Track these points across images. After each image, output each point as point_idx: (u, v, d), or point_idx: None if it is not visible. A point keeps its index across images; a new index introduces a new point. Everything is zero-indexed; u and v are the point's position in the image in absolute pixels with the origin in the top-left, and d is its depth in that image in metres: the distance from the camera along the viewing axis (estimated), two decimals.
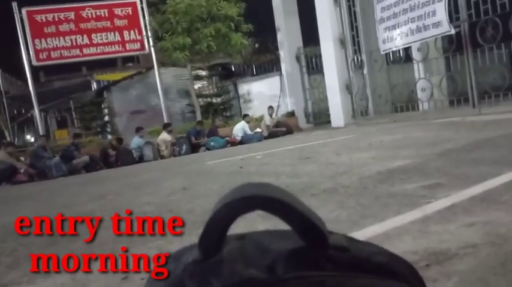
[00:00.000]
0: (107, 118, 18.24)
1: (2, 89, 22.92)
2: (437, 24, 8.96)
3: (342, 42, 11.59)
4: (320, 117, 13.90)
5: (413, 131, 7.19)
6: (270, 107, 13.21)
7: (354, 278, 0.38)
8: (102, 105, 18.62)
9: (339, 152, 5.65)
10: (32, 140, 25.14)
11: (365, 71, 11.66)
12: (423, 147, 4.93)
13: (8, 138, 22.38)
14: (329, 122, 12.34)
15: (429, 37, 9.34)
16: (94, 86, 22.90)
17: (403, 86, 10.83)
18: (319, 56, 12.73)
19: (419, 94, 10.33)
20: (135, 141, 11.70)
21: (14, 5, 12.39)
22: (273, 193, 0.39)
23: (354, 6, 11.53)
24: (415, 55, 10.19)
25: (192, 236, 2.53)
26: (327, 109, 12.46)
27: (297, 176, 4.25)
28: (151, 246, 2.44)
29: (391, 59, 10.90)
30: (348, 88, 11.66)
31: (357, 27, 11.60)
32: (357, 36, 11.64)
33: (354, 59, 11.67)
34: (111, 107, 17.96)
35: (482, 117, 7.76)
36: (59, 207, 4.64)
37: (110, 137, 15.18)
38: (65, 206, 4.66)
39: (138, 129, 12.05)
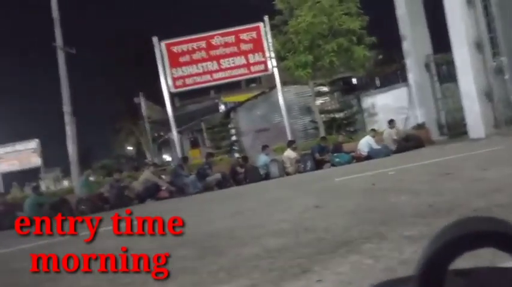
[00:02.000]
0: (234, 137, 19.24)
1: (144, 114, 25.78)
2: None
3: (479, 46, 10.58)
4: (455, 129, 12.79)
5: None
6: (392, 121, 12.59)
7: None
8: (229, 126, 19.72)
9: (485, 167, 5.09)
10: (169, 159, 27.69)
11: (507, 76, 10.46)
12: None
13: (149, 158, 25.01)
14: (465, 133, 11.29)
15: None
16: (222, 107, 24.39)
17: None
18: (451, 63, 11.79)
19: None
20: (261, 159, 12.10)
21: (155, 39, 13.93)
22: (505, 228, 0.35)
23: (490, 5, 10.49)
24: None
25: (333, 256, 2.47)
26: (463, 119, 11.44)
27: (439, 193, 3.93)
28: (293, 264, 2.44)
29: None
30: (487, 95, 10.56)
31: (494, 28, 10.51)
32: (495, 38, 10.54)
33: (493, 63, 10.55)
34: (238, 127, 18.91)
35: None
36: (203, 223, 4.95)
37: (237, 155, 15.94)
38: (208, 222, 4.95)
39: (264, 148, 12.45)
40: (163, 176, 12.10)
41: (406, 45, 13.55)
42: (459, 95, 11.38)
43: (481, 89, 10.55)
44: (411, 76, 13.61)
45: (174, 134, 14.50)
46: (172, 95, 15.39)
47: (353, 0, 13.19)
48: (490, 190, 3.61)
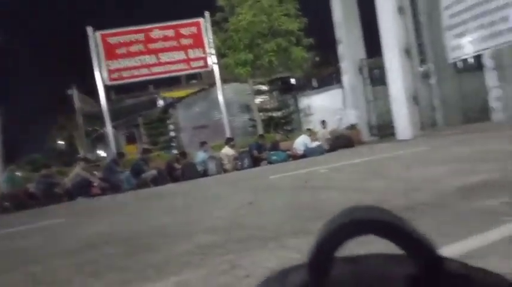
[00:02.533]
0: (172, 133, 18.95)
1: (77, 107, 24.63)
2: (511, 30, 8.43)
3: (407, 52, 11.24)
4: (384, 130, 13.49)
5: (488, 143, 6.76)
6: (323, 121, 13.15)
7: None
8: (168, 121, 19.39)
9: (409, 166, 5.42)
10: (104, 155, 26.69)
11: (432, 81, 11.20)
12: (503, 161, 4.61)
13: (82, 153, 23.94)
14: (394, 134, 11.94)
15: (503, 43, 8.80)
16: (160, 103, 23.92)
17: (475, 95, 10.28)
18: (382, 67, 12.42)
19: (493, 104, 9.73)
20: (199, 156, 12.02)
21: (89, 29, 13.33)
22: (385, 216, 0.38)
23: (419, 14, 11.17)
24: (488, 62, 9.64)
25: (263, 252, 2.52)
26: (391, 121, 12.08)
27: (366, 191, 4.13)
28: (223, 260, 2.46)
29: (461, 67, 10.38)
30: (414, 99, 11.25)
31: (422, 35, 11.21)
32: (423, 46, 11.24)
33: (420, 68, 11.26)
34: (176, 123, 18.65)
35: None
36: (135, 220, 4.84)
37: (175, 151, 15.72)
38: (140, 219, 4.85)
39: (202, 144, 12.37)
40: (95, 172, 11.64)
41: (341, 49, 14.08)
42: (389, 98, 12.01)
43: (408, 93, 11.21)
44: (345, 79, 14.17)
45: (109, 128, 13.98)
46: (108, 88, 14.81)
47: (292, 2, 13.46)
48: (411, 188, 3.86)
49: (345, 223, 0.38)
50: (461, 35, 9.61)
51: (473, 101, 10.23)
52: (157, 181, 10.94)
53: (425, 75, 11.25)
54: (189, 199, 6.07)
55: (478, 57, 9.75)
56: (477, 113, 10.09)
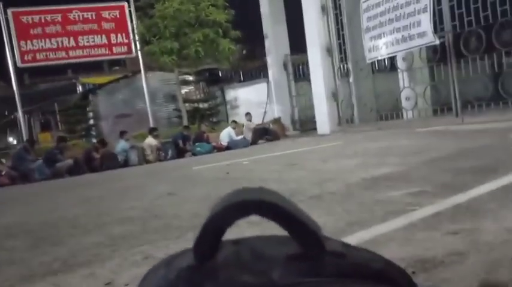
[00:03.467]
0: (91, 122, 18.05)
1: None
2: (422, 35, 9.11)
3: (329, 51, 11.70)
4: (306, 124, 13.96)
5: (398, 139, 7.28)
6: (248, 114, 13.34)
7: (351, 285, 0.38)
8: (87, 109, 18.42)
9: (325, 159, 5.68)
10: (15, 142, 24.73)
11: (351, 79, 11.76)
12: (408, 155, 4.98)
13: None
14: (315, 129, 12.41)
15: (414, 47, 9.48)
16: (79, 89, 22.67)
17: (388, 94, 10.96)
18: (306, 64, 12.82)
19: (404, 103, 10.46)
20: (120, 145, 11.58)
21: None
22: (270, 197, 0.39)
23: (340, 15, 11.66)
24: (400, 64, 10.34)
25: (178, 242, 2.50)
26: (313, 116, 12.53)
27: (284, 182, 4.26)
28: (136, 251, 2.41)
29: (377, 67, 11.02)
30: (334, 96, 11.76)
31: (343, 36, 11.71)
32: (344, 45, 11.76)
33: (340, 67, 11.78)
34: (96, 111, 17.78)
35: (465, 126, 7.90)
36: (43, 212, 4.56)
37: (94, 140, 15.01)
38: (49, 210, 4.58)
39: (123, 133, 11.92)
40: (3, 160, 10.77)
41: (267, 44, 14.30)
42: (311, 94, 12.44)
43: (328, 90, 11.70)
44: (271, 73, 14.43)
45: (20, 114, 12.99)
46: (21, 71, 13.75)
47: None
48: (325, 179, 4.05)
49: (228, 205, 0.38)
50: (377, 37, 10.20)
51: (387, 100, 10.92)
52: (73, 170, 10.39)
53: (345, 74, 11.77)
54: (105, 190, 5.84)
55: (392, 59, 10.40)
56: (390, 111, 10.78)
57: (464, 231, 1.98)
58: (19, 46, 12.41)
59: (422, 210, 2.49)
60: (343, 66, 11.77)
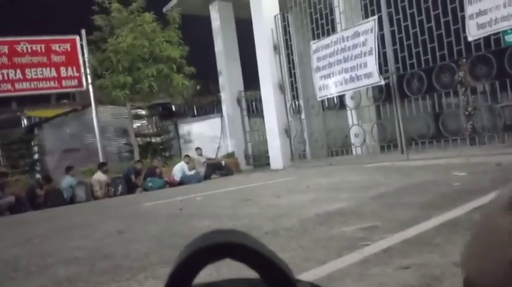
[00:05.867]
0: (36, 156, 17.20)
1: None
2: (368, 75, 9.60)
3: (281, 88, 12.05)
4: (260, 159, 14.09)
5: (348, 174, 7.49)
6: (198, 148, 13.35)
7: None
8: (33, 143, 17.59)
9: (278, 194, 5.72)
10: None
11: (303, 116, 12.11)
12: (358, 190, 5.13)
13: None
14: (268, 164, 12.54)
15: (361, 86, 9.96)
16: (24, 122, 21.69)
17: (338, 131, 11.34)
18: (259, 100, 13.08)
19: (353, 139, 10.85)
20: (66, 181, 11.10)
21: None
22: (241, 239, 0.38)
23: (292, 54, 12.10)
24: (349, 103, 10.78)
25: (129, 283, 2.40)
26: (267, 151, 12.69)
27: (238, 218, 4.23)
28: None
29: (327, 105, 11.44)
30: (286, 132, 12.01)
31: (295, 74, 12.12)
32: (295, 83, 12.15)
33: (292, 104, 12.11)
34: (42, 145, 17.00)
35: (410, 162, 8.28)
36: None
37: (38, 176, 14.28)
38: None
39: (69, 169, 11.46)
40: None
41: (221, 80, 14.52)
42: (264, 129, 12.64)
43: (281, 126, 11.95)
44: (225, 108, 14.58)
45: None
46: None
47: (175, 30, 13.52)
48: (279, 214, 4.07)
49: (201, 248, 0.37)
50: (327, 76, 10.64)
51: (337, 137, 11.28)
52: (14, 208, 9.79)
53: (297, 111, 12.10)
54: (49, 228, 5.52)
55: (341, 98, 10.84)
56: (340, 147, 11.13)
57: (415, 266, 2.05)
58: None
59: (374, 245, 2.56)
60: (295, 103, 12.12)
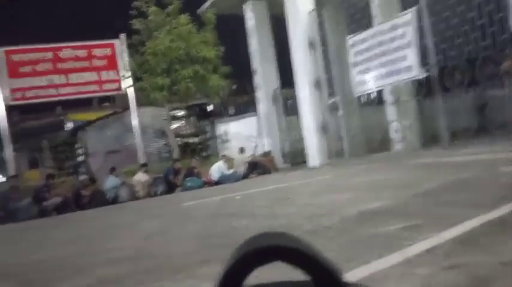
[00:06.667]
0: (80, 158, 17.89)
1: None
2: (408, 69, 9.34)
3: (317, 85, 11.91)
4: (296, 158, 13.98)
5: (388, 172, 7.31)
6: (241, 148, 13.38)
7: None
8: (76, 145, 18.31)
9: (317, 193, 5.66)
10: (3, 179, 24.28)
11: (340, 113, 11.93)
12: (399, 188, 4.99)
13: None
14: (305, 162, 12.44)
15: (401, 80, 9.70)
16: (68, 125, 22.59)
17: (377, 127, 11.10)
18: (295, 98, 12.99)
19: (392, 136, 10.58)
20: (109, 182, 11.46)
21: None
22: (292, 242, 0.38)
23: (328, 50, 11.95)
24: (388, 97, 10.53)
25: (171, 282, 2.44)
26: (303, 149, 12.59)
27: (276, 217, 4.22)
28: None
29: (365, 101, 11.21)
30: (323, 129, 11.87)
31: (331, 70, 11.96)
32: (332, 79, 11.99)
33: (329, 101, 11.96)
34: (86, 147, 17.67)
35: (454, 158, 7.97)
36: (29, 253, 4.43)
37: (83, 177, 14.83)
38: (35, 250, 4.45)
39: (113, 170, 11.83)
40: None
41: (256, 79, 14.53)
42: (301, 127, 12.55)
43: (318, 123, 11.82)
44: (260, 107, 14.58)
45: (9, 152, 12.82)
46: (10, 108, 13.69)
47: (210, 31, 13.68)
48: (318, 214, 4.02)
49: (251, 251, 0.37)
50: (364, 71, 10.43)
51: (376, 133, 11.04)
52: (61, 209, 10.20)
53: (334, 107, 11.95)
54: (94, 228, 5.72)
55: (379, 93, 10.60)
56: (379, 143, 10.89)
57: (461, 266, 1.96)
58: (9, 84, 12.43)
59: (418, 245, 2.48)
60: (332, 100, 11.96)
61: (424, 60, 9.27)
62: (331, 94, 12.06)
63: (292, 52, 12.14)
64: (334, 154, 11.88)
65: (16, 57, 12.68)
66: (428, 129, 9.84)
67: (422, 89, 9.69)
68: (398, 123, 10.35)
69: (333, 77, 12.03)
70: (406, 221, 3.11)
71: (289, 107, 14.18)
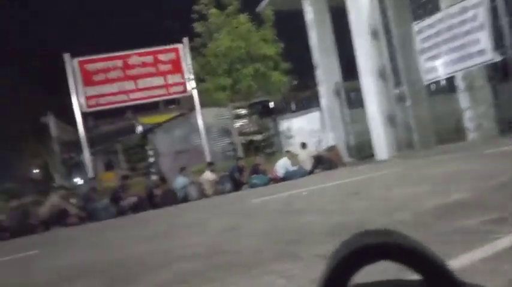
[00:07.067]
0: (151, 159, 18.73)
1: (54, 134, 24.18)
2: (481, 52, 8.76)
3: (382, 75, 11.50)
4: (363, 151, 13.63)
5: (463, 163, 6.89)
6: (304, 143, 13.24)
7: None
8: (147, 147, 19.18)
9: (388, 187, 5.47)
10: (81, 182, 26.08)
11: (408, 103, 11.44)
12: (477, 180, 4.68)
13: (58, 181, 23.37)
14: (372, 155, 12.09)
15: (473, 65, 9.11)
16: (139, 128, 23.71)
17: (449, 116, 10.51)
18: (359, 90, 12.66)
19: (466, 124, 9.97)
20: (179, 181, 11.88)
21: (67, 56, 13.26)
22: (401, 240, 0.36)
23: (392, 38, 11.50)
24: (460, 84, 9.93)
25: (245, 278, 2.47)
26: (370, 142, 12.24)
27: (348, 213, 4.13)
28: None
29: (435, 89, 10.66)
30: (391, 121, 11.45)
31: (396, 59, 11.50)
32: (397, 68, 11.53)
33: (395, 91, 11.52)
34: (155, 149, 18.46)
35: None
36: (112, 250, 4.71)
37: (154, 177, 15.51)
38: (117, 249, 4.72)
39: (182, 169, 12.26)
40: (73, 200, 11.36)
41: (318, 73, 14.33)
42: (366, 119, 12.20)
43: (384, 115, 11.42)
44: (323, 101, 14.37)
45: (87, 155, 13.75)
46: (85, 115, 14.66)
47: (269, 28, 13.72)
48: (392, 208, 3.88)
49: (359, 248, 0.36)
50: (433, 58, 9.92)
51: (447, 122, 10.46)
52: (136, 208, 10.75)
53: (401, 98, 11.48)
54: (167, 226, 5.96)
55: (450, 79, 10.03)
56: (451, 133, 10.31)
57: None
58: (84, 92, 13.31)
59: (504, 239, 2.31)
60: (399, 90, 11.50)
61: (498, 43, 8.64)
62: (398, 84, 11.59)
63: (354, 43, 11.83)
64: (404, 146, 11.42)
65: (89, 67, 13.54)
66: (505, 115, 9.16)
67: (498, 73, 9.04)
68: (472, 110, 9.73)
69: (398, 66, 11.55)
70: (488, 215, 2.91)
71: (352, 99, 13.85)
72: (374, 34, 11.51)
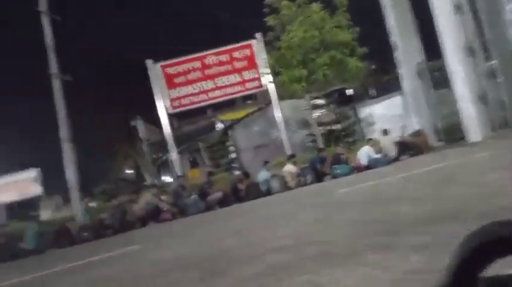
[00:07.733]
0: (233, 155, 19.26)
1: (143, 136, 25.83)
2: None
3: (470, 51, 10.68)
4: (451, 134, 12.80)
5: None
6: (385, 130, 12.72)
7: None
8: (228, 143, 19.75)
9: (483, 171, 5.09)
10: (169, 180, 27.57)
11: (500, 79, 10.53)
12: None
13: (149, 181, 24.94)
14: (462, 138, 11.31)
15: None
16: (219, 126, 24.47)
17: None
18: (443, 69, 11.89)
19: None
20: (262, 175, 12.08)
21: (149, 62, 14.08)
22: None
23: (477, 11, 10.63)
24: None
25: (344, 270, 2.45)
26: (458, 124, 11.45)
27: (442, 200, 3.92)
28: (301, 280, 2.42)
29: None
30: (482, 99, 10.62)
31: (484, 32, 10.63)
32: (486, 43, 10.65)
33: (485, 66, 10.65)
34: (236, 144, 18.94)
35: None
36: (205, 244, 4.92)
37: (237, 172, 15.94)
38: (207, 242, 4.92)
39: (265, 163, 12.46)
40: (163, 197, 12.07)
41: (398, 55, 13.68)
42: (453, 100, 11.44)
43: (475, 93, 10.62)
44: (405, 84, 13.70)
45: (174, 155, 14.51)
46: (170, 116, 15.45)
47: (343, 13, 13.39)
48: (491, 194, 3.61)
49: (492, 241, 0.34)
50: None
51: None
52: (223, 202, 11.15)
53: (491, 73, 10.60)
54: (253, 219, 6.09)
55: None
56: None
57: None
58: (169, 95, 14.05)
59: None
60: (489, 66, 10.62)
61: None
62: (487, 59, 10.71)
63: (436, 20, 11.12)
64: (498, 126, 10.55)
65: (170, 70, 14.25)
66: None
67: None
68: None
69: (486, 40, 10.66)
70: None
71: (437, 79, 13.05)
72: (457, 8, 10.72)
